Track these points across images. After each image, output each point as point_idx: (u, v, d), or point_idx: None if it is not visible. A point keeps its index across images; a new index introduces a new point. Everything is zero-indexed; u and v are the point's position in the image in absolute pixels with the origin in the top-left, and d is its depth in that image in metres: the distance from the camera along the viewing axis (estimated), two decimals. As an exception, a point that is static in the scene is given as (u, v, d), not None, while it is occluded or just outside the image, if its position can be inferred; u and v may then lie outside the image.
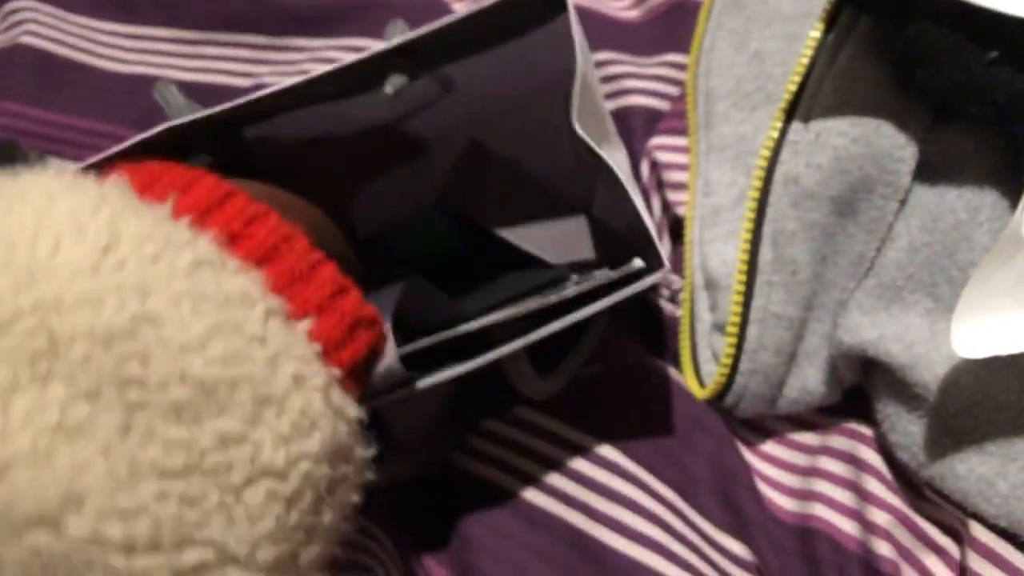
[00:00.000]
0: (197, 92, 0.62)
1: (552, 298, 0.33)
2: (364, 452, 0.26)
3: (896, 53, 0.37)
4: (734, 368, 0.39)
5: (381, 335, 0.27)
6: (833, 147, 0.37)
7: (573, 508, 0.38)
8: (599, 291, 0.33)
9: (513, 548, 0.37)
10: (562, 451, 0.40)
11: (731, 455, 0.40)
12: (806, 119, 0.39)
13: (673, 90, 0.52)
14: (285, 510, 0.22)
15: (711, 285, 0.41)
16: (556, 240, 0.46)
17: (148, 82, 0.63)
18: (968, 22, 0.33)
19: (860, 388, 0.40)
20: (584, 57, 0.35)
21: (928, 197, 0.37)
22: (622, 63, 0.54)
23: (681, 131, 0.48)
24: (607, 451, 0.39)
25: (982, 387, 0.34)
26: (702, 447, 0.39)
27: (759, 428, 0.42)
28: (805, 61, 0.40)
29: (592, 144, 0.33)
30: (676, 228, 0.47)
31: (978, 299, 0.31)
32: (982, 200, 0.36)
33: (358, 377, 0.26)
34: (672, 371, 0.42)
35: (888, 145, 0.37)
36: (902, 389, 0.36)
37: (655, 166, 0.48)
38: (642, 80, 0.53)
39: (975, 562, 0.34)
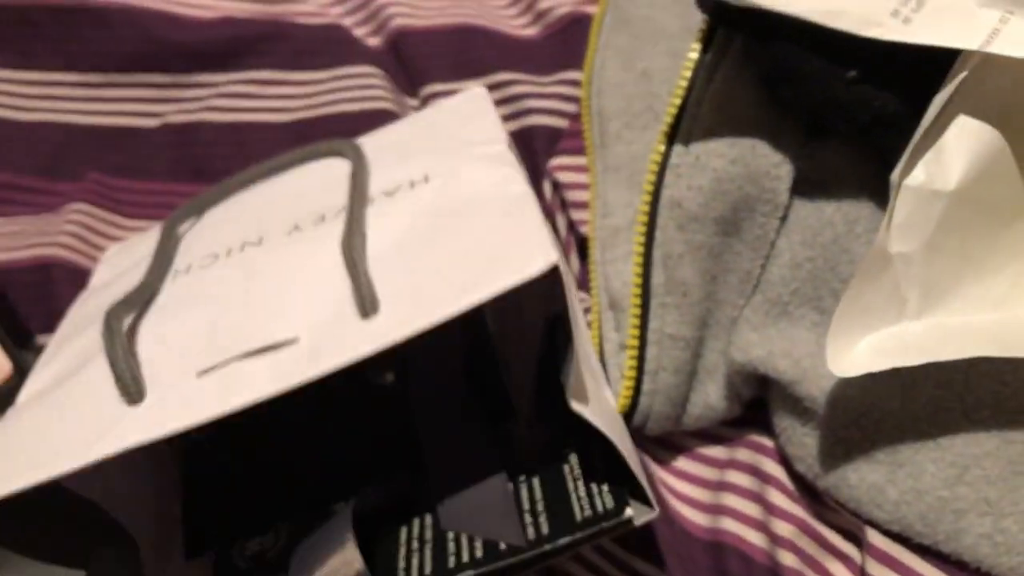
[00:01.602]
0: (102, 135, 0.61)
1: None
2: None
3: (764, 72, 0.37)
4: (637, 389, 0.40)
5: None
6: (713, 168, 0.38)
7: None
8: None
9: None
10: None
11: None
12: (687, 141, 0.39)
13: (572, 108, 0.52)
14: None
15: (614, 305, 0.42)
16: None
17: (50, 129, 0.62)
18: (827, 42, 0.34)
19: (763, 399, 0.41)
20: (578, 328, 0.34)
21: (807, 212, 0.38)
22: (522, 83, 0.54)
23: (579, 151, 0.48)
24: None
25: (868, 398, 0.35)
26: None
27: (669, 444, 0.43)
28: (684, 83, 0.40)
29: (592, 420, 0.32)
30: (582, 248, 0.47)
31: (850, 317, 0.32)
32: (859, 212, 0.37)
33: None
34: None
35: (764, 164, 0.37)
36: (794, 403, 0.36)
37: (557, 186, 0.48)
38: (542, 99, 0.53)
39: (873, 568, 0.35)
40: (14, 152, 0.61)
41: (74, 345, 0.39)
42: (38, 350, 0.53)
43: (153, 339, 0.35)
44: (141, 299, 0.37)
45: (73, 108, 0.62)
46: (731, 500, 0.39)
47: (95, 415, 0.33)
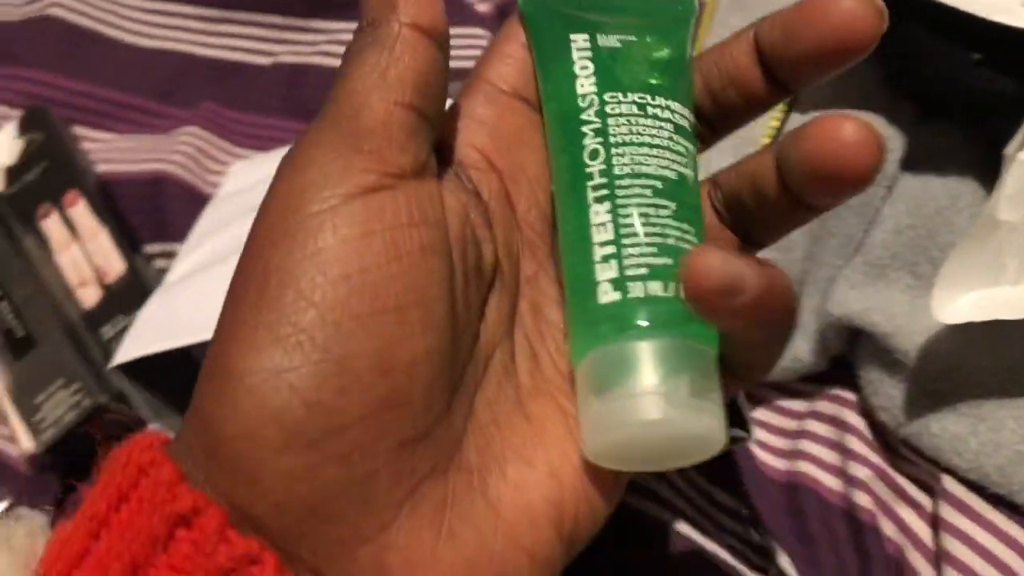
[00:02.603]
0: (217, 67, 0.65)
1: None
2: None
3: (887, 52, 0.40)
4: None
5: None
6: (829, 136, 0.41)
7: None
8: None
9: None
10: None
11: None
12: (804, 111, 0.42)
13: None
14: None
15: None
16: None
17: (168, 56, 0.65)
18: (955, 25, 0.37)
19: (843, 359, 0.44)
20: None
21: (913, 184, 0.41)
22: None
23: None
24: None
25: (957, 354, 0.38)
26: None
27: (749, 396, 0.46)
28: (805, 57, 0.43)
29: None
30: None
31: (955, 273, 0.35)
32: (962, 189, 0.40)
33: None
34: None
35: (879, 136, 0.40)
36: (885, 356, 0.39)
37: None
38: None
39: (947, 512, 0.37)
40: (133, 75, 0.64)
41: (218, 239, 0.42)
42: (147, 257, 0.56)
43: None
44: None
45: (191, 39, 0.66)
46: (809, 446, 0.42)
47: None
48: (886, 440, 0.41)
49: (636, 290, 0.23)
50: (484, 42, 0.61)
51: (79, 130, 0.62)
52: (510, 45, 0.28)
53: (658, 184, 0.23)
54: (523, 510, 0.23)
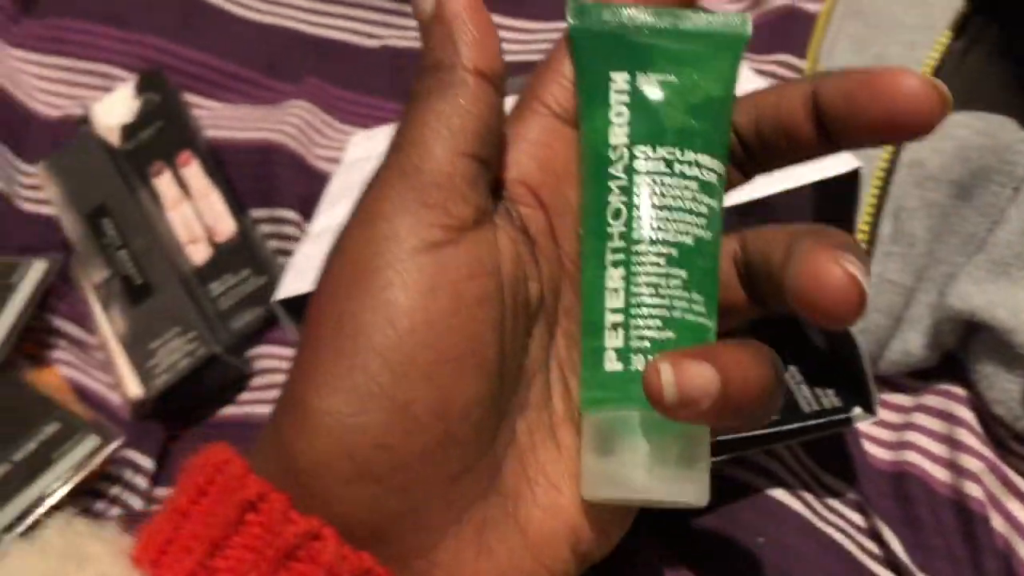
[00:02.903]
0: (324, 45, 0.66)
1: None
2: None
3: (1017, 55, 0.42)
4: (845, 327, 0.44)
5: None
6: (958, 137, 0.42)
7: None
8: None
9: None
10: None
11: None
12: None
13: (782, 87, 0.57)
14: None
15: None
16: None
17: (277, 32, 0.67)
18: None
19: (951, 357, 0.45)
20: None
21: (1041, 188, 0.42)
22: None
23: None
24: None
25: (1080, 352, 0.39)
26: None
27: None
28: (932, 63, 0.45)
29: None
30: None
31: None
32: (1089, 194, 0.41)
33: None
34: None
35: (1010, 139, 0.42)
36: (1005, 351, 0.41)
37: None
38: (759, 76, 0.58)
39: (1059, 506, 0.38)
40: (243, 48, 0.66)
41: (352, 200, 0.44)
42: (252, 221, 0.58)
43: None
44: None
45: (301, 17, 0.67)
46: (917, 438, 0.43)
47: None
48: (997, 435, 0.42)
49: (637, 363, 0.24)
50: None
51: (188, 97, 0.64)
52: (565, 65, 0.27)
53: (673, 252, 0.25)
54: (548, 531, 0.26)
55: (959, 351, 0.44)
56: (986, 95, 0.43)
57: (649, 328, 0.24)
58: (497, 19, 0.65)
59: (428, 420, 0.23)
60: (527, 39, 0.65)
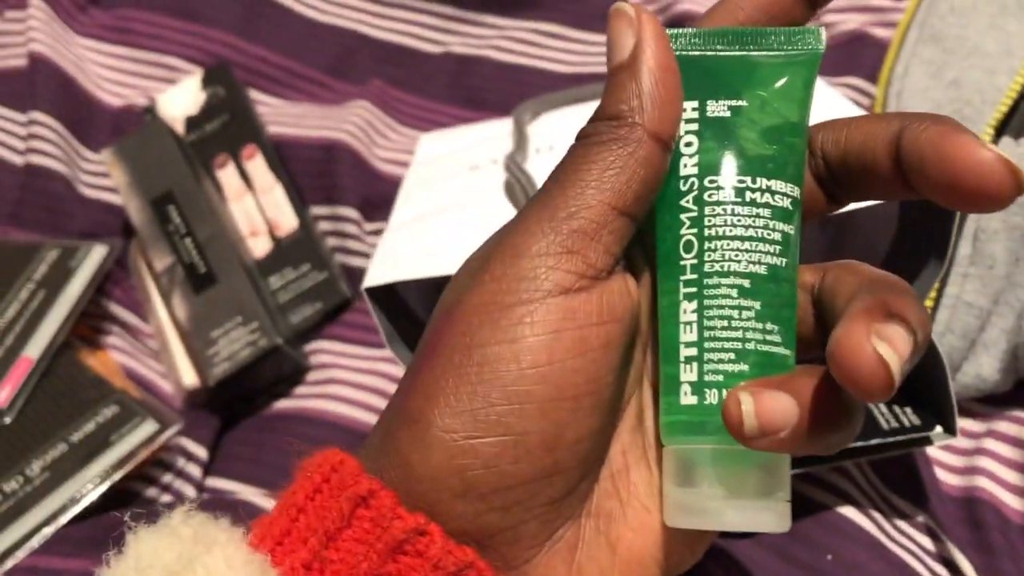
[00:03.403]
0: (387, 49, 0.67)
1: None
2: None
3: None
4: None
5: None
6: (1044, 161, 0.42)
7: None
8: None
9: None
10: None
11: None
12: (1016, 136, 0.43)
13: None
14: None
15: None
16: None
17: (341, 33, 0.68)
18: None
19: (1022, 384, 0.45)
20: None
21: (1124, 216, 0.42)
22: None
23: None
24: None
25: None
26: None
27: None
28: (1017, 87, 0.45)
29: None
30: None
31: None
32: None
33: None
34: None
35: (1097, 165, 0.42)
36: (1086, 378, 0.40)
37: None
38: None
39: None
40: (305, 47, 0.66)
41: (442, 191, 0.44)
42: (313, 217, 0.58)
43: None
44: (523, 158, 0.42)
45: (364, 20, 0.68)
46: (988, 464, 0.43)
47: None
48: (1072, 464, 0.42)
49: (711, 397, 0.24)
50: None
51: (251, 93, 0.64)
52: None
53: (746, 283, 0.24)
54: (637, 551, 0.26)
55: (1035, 377, 0.44)
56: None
57: (722, 361, 0.24)
58: (562, 31, 0.66)
59: (538, 451, 0.24)
60: (592, 51, 0.65)
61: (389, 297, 0.39)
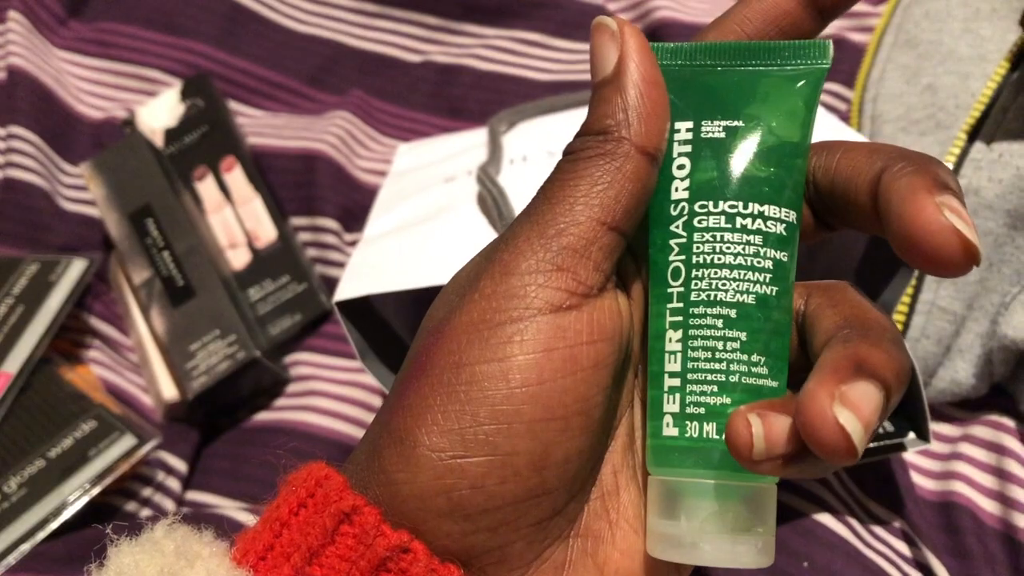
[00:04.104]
0: (368, 59, 0.67)
1: None
2: None
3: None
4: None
5: None
6: (1016, 166, 0.42)
7: None
8: None
9: None
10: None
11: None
12: (989, 141, 0.44)
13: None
14: None
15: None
16: None
17: (322, 44, 0.68)
18: None
19: (998, 388, 0.45)
20: None
21: (1096, 220, 0.42)
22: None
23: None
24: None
25: None
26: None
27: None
28: (989, 92, 0.45)
29: None
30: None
31: None
32: None
33: None
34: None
35: (1067, 170, 0.42)
36: (1059, 383, 0.40)
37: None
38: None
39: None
40: (286, 58, 0.66)
41: (416, 203, 0.44)
42: (292, 228, 0.58)
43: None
44: (496, 170, 0.42)
45: (345, 30, 0.68)
46: (964, 468, 0.43)
47: (472, 247, 0.37)
48: (1047, 468, 0.42)
49: (692, 430, 0.24)
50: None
51: (232, 104, 0.64)
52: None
53: (732, 313, 0.24)
54: (624, 573, 0.26)
55: (1008, 382, 0.44)
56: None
57: (704, 394, 0.24)
58: (543, 39, 0.66)
59: (526, 471, 0.24)
60: (573, 59, 0.65)
61: (363, 311, 0.39)
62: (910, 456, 0.45)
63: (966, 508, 0.42)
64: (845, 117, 0.55)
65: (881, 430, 0.39)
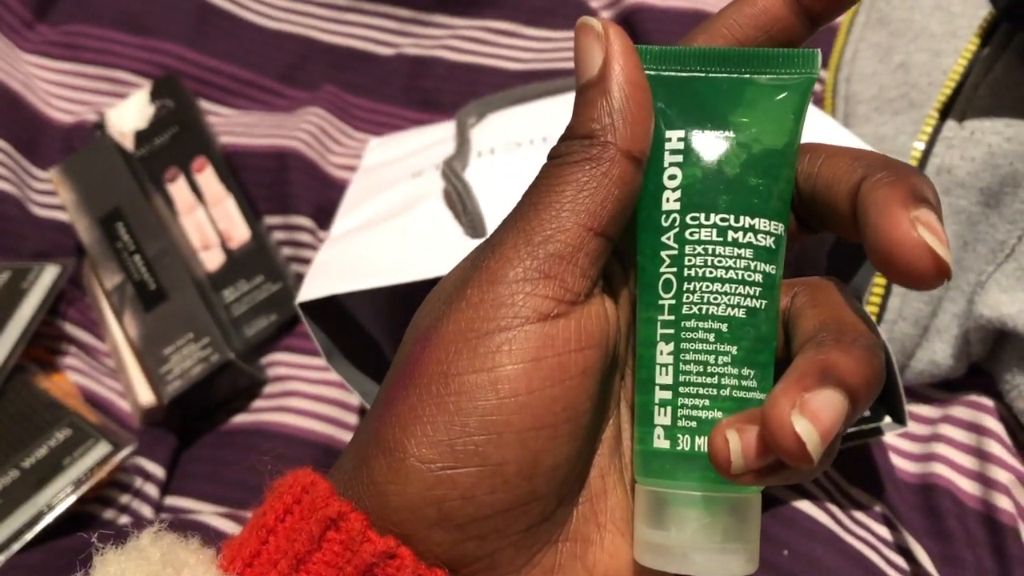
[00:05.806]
0: (340, 54, 0.66)
1: None
2: None
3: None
4: (870, 336, 0.43)
5: None
6: (988, 144, 0.42)
7: None
8: None
9: None
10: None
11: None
12: (960, 119, 0.43)
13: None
14: None
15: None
16: None
17: (292, 40, 0.67)
18: None
19: (977, 368, 0.44)
20: None
21: (1070, 195, 0.41)
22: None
23: (816, 130, 0.52)
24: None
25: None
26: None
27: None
28: (959, 69, 0.44)
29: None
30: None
31: None
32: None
33: None
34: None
35: (1039, 145, 0.41)
36: (1036, 361, 0.40)
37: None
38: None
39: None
40: (258, 55, 0.66)
41: (384, 199, 0.43)
42: (266, 228, 0.57)
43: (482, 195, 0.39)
44: (463, 164, 0.41)
45: (315, 25, 0.67)
46: (944, 450, 0.43)
47: (438, 243, 0.37)
48: (1026, 447, 0.41)
49: (683, 443, 0.24)
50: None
51: (203, 103, 0.63)
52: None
53: (723, 327, 0.24)
54: (613, 575, 0.26)
55: (987, 361, 0.44)
56: (1014, 102, 0.42)
57: (696, 408, 0.24)
58: (514, 28, 0.65)
59: (516, 480, 0.24)
60: (545, 47, 0.64)
61: (330, 310, 0.39)
62: (890, 438, 0.45)
63: (946, 490, 0.42)
64: (819, 99, 0.54)
65: None
